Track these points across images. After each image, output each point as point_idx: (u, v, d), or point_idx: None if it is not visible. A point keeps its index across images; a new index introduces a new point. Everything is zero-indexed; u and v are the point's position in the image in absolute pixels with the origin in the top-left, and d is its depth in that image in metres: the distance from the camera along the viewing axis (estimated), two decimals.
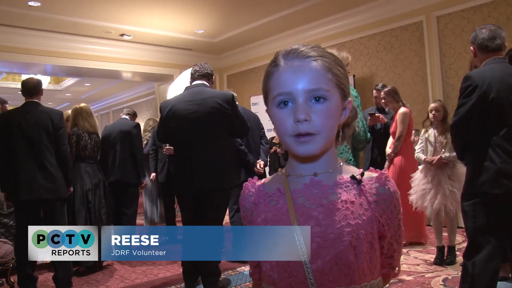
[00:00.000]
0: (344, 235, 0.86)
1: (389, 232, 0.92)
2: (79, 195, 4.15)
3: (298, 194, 0.93)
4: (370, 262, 0.89)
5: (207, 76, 3.59)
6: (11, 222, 4.25)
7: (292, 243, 0.87)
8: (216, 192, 3.42)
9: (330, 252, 0.86)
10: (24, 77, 4.13)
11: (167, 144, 4.75)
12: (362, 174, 0.92)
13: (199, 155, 3.36)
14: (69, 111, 4.59)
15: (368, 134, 2.62)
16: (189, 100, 3.44)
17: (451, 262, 3.77)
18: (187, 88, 3.60)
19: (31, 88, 3.74)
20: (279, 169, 1.03)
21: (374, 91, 5.31)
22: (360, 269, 0.87)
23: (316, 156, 0.91)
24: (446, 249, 3.85)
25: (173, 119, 3.44)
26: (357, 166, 2.58)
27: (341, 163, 0.96)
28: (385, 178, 0.91)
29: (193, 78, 3.61)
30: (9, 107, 4.60)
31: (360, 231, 0.87)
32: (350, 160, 2.56)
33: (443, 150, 3.80)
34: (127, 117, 5.21)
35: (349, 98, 0.93)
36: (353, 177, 0.91)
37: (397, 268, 1.00)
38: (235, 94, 4.70)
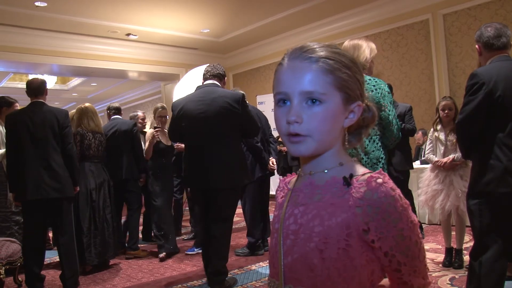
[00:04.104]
0: (312, 237, 0.86)
1: (384, 242, 0.83)
2: (83, 194, 4.18)
3: (295, 192, 0.96)
4: (344, 271, 0.83)
5: (219, 76, 3.64)
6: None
7: (277, 238, 0.94)
8: (225, 192, 3.45)
9: (298, 250, 0.88)
10: (31, 77, 4.17)
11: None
12: (351, 176, 0.87)
13: (208, 155, 3.41)
14: (73, 111, 4.62)
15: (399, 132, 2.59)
16: (199, 99, 3.48)
17: (459, 266, 3.65)
18: (198, 87, 3.64)
19: (35, 89, 3.77)
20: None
21: None
22: (325, 275, 0.83)
23: (314, 156, 0.91)
24: (454, 252, 3.76)
25: (183, 118, 3.49)
26: (387, 164, 2.56)
27: (343, 163, 0.92)
28: (375, 182, 0.83)
29: (204, 78, 3.65)
30: (19, 107, 4.64)
31: (330, 235, 0.84)
32: (382, 158, 2.52)
33: (455, 149, 3.66)
34: (119, 116, 5.23)
35: (358, 102, 0.90)
36: (344, 178, 0.88)
37: (415, 285, 0.92)
38: (243, 92, 4.78)
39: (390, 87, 4.89)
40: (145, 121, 5.91)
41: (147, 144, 4.86)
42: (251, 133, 3.73)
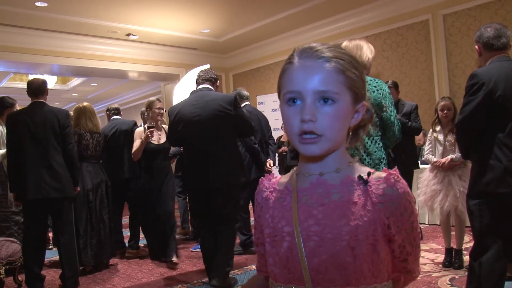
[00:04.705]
0: (342, 235, 0.86)
1: (399, 235, 0.89)
2: (80, 195, 4.12)
3: (304, 192, 0.94)
4: (372, 265, 0.87)
5: (211, 80, 3.78)
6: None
7: (293, 241, 0.90)
8: (225, 190, 3.57)
9: (326, 251, 0.87)
10: (32, 77, 4.18)
11: None
12: (368, 174, 0.90)
13: (205, 156, 3.53)
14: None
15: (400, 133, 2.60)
16: (193, 104, 3.63)
17: (459, 266, 3.66)
18: (192, 92, 3.79)
19: (36, 89, 3.78)
20: (293, 168, 1.03)
21: None
22: (359, 271, 0.86)
23: (322, 156, 0.91)
24: (453, 252, 3.76)
25: (179, 123, 3.63)
26: (388, 165, 2.57)
27: (351, 163, 0.94)
28: (394, 178, 0.88)
29: (198, 83, 3.81)
30: (18, 107, 4.65)
31: (360, 233, 0.86)
32: (383, 159, 2.53)
33: (453, 149, 3.68)
34: (119, 116, 5.23)
35: (363, 102, 0.92)
36: (360, 177, 0.90)
37: (416, 272, 0.98)
38: (247, 93, 4.86)
39: (396, 84, 4.88)
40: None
41: (137, 143, 4.32)
42: (247, 133, 3.88)
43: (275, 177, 1.06)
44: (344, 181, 0.91)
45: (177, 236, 5.71)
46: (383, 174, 0.89)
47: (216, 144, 3.53)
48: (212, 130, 3.53)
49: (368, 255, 0.86)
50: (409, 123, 4.56)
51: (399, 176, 0.89)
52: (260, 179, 1.08)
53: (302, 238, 0.89)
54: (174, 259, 4.35)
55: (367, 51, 2.60)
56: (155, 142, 4.46)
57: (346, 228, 0.86)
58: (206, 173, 3.52)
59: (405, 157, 4.50)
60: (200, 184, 3.58)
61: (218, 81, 3.90)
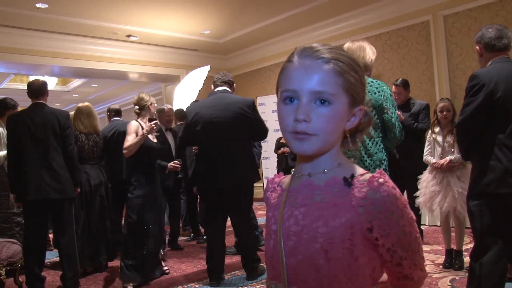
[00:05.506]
0: (317, 237, 0.86)
1: (386, 238, 0.85)
2: (78, 197, 4.08)
3: (292, 192, 0.96)
4: (348, 270, 0.84)
5: (229, 83, 3.86)
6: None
7: (277, 239, 0.93)
8: (237, 190, 3.67)
9: (302, 252, 0.87)
10: (32, 78, 4.17)
11: None
12: (352, 176, 0.89)
13: (222, 157, 3.61)
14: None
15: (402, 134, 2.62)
16: (213, 105, 3.69)
17: (460, 267, 3.66)
18: (210, 94, 3.86)
19: (37, 90, 3.78)
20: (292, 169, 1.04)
21: (394, 87, 4.74)
22: (331, 275, 0.84)
23: (313, 156, 0.91)
24: (454, 253, 3.76)
25: (198, 123, 3.67)
26: (388, 166, 2.58)
27: (341, 164, 0.93)
28: (377, 181, 0.85)
29: (216, 85, 3.86)
30: (19, 108, 4.65)
31: (336, 236, 0.84)
32: (384, 160, 2.54)
33: (452, 150, 3.71)
34: (119, 118, 5.22)
35: (361, 106, 0.92)
36: (344, 179, 0.89)
37: (415, 278, 0.93)
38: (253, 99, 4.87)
39: (406, 83, 4.76)
40: (172, 117, 5.43)
41: (133, 137, 3.68)
42: (261, 136, 3.93)
43: (280, 177, 1.07)
44: (330, 183, 0.91)
45: (179, 238, 5.70)
46: (368, 177, 0.88)
47: (233, 145, 3.61)
48: (230, 132, 3.60)
49: (343, 259, 0.84)
50: (415, 124, 4.47)
51: (386, 179, 0.86)
52: (267, 180, 1.11)
53: (283, 237, 0.91)
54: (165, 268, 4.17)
55: (369, 53, 2.61)
56: (155, 141, 3.94)
57: (322, 230, 0.86)
58: (222, 174, 3.59)
59: (413, 160, 4.40)
60: (215, 184, 3.63)
61: (234, 84, 3.98)
